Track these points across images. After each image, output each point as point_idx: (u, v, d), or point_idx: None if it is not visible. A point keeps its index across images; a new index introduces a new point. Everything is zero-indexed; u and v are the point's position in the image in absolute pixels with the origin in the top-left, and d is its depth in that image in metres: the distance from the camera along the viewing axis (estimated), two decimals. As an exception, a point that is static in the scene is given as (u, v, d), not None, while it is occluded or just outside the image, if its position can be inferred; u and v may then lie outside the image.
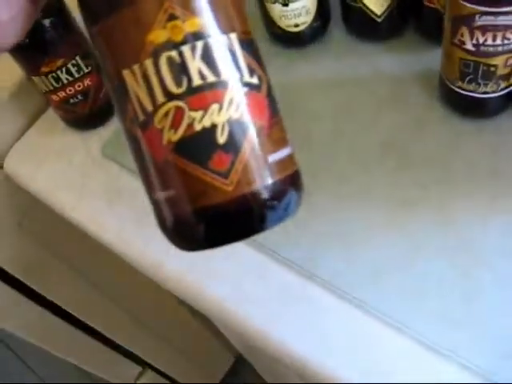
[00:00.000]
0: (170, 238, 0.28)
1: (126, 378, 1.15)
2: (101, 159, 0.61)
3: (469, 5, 0.42)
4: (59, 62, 0.56)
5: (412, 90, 0.56)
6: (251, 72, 0.26)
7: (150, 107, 0.25)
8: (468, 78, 0.48)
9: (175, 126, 0.25)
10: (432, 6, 0.54)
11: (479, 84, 0.48)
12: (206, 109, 0.25)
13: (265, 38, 0.63)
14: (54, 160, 0.63)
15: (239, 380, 1.40)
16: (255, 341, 0.48)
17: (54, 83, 0.58)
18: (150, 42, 0.25)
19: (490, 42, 0.44)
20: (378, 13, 0.56)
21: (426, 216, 0.48)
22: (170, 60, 0.25)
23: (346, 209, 0.50)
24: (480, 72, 0.47)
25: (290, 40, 0.61)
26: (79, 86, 0.59)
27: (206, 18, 0.25)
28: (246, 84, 0.26)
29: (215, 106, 0.25)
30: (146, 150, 0.26)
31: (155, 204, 0.28)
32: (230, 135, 0.25)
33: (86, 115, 0.62)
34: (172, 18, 0.25)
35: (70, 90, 0.59)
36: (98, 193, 0.59)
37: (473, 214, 0.48)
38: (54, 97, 0.59)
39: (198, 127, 0.25)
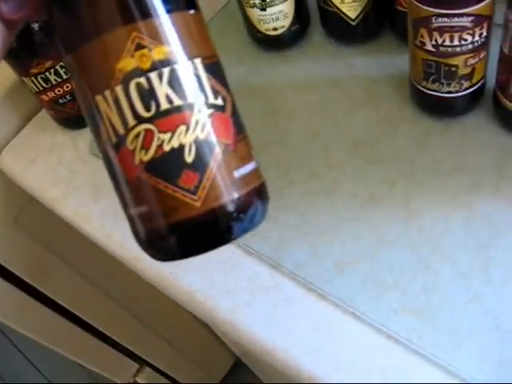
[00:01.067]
0: (144, 249, 0.31)
1: (124, 375, 1.17)
2: (88, 157, 0.64)
3: (424, 7, 0.44)
4: (48, 64, 0.59)
5: (385, 90, 0.58)
6: (215, 94, 0.28)
7: (121, 130, 0.27)
8: (432, 78, 0.50)
9: (146, 146, 0.27)
10: (404, 9, 0.56)
11: (442, 84, 0.50)
12: (173, 130, 0.27)
13: (246, 41, 0.65)
14: (45, 157, 0.66)
15: (239, 380, 1.41)
16: (224, 330, 0.50)
17: (43, 84, 0.61)
18: (120, 69, 0.27)
19: (447, 42, 0.46)
20: (352, 17, 0.58)
21: (392, 211, 0.50)
22: (138, 86, 0.27)
23: (314, 203, 0.52)
24: (442, 72, 0.48)
25: (270, 43, 0.63)
26: (67, 87, 0.62)
27: (172, 46, 0.27)
28: (211, 106, 0.28)
29: (182, 128, 0.27)
30: (119, 169, 0.28)
31: (129, 219, 0.30)
32: (197, 154, 0.27)
33: (74, 115, 0.64)
34: (139, 47, 0.27)
35: (58, 91, 0.62)
36: (84, 188, 0.61)
37: (436, 209, 0.49)
38: (44, 97, 0.62)
39: (166, 148, 0.27)
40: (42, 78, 0.60)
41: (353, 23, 0.58)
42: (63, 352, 0.99)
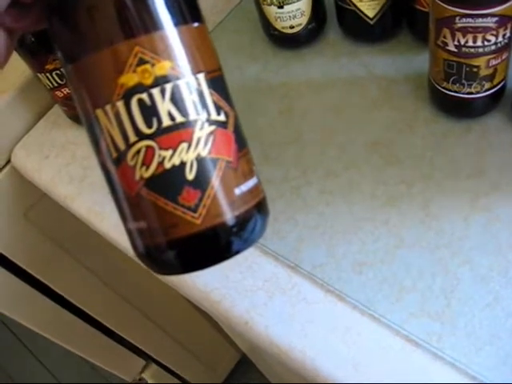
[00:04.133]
0: (143, 263, 0.31)
1: (130, 372, 1.17)
2: (102, 153, 0.63)
3: (449, 7, 0.44)
4: (63, 60, 0.59)
5: (403, 90, 0.58)
6: (218, 110, 0.28)
7: (122, 145, 0.27)
8: (452, 79, 0.49)
9: (146, 163, 0.27)
10: (423, 9, 0.55)
11: (463, 84, 0.49)
12: (175, 148, 0.27)
13: (262, 38, 0.65)
14: (58, 154, 0.66)
15: (244, 379, 1.41)
16: (239, 331, 0.49)
17: (58, 80, 0.60)
18: (122, 84, 0.26)
19: (470, 43, 0.45)
20: (371, 15, 0.57)
21: (410, 212, 0.50)
22: (140, 102, 0.26)
23: (332, 203, 0.52)
24: (463, 73, 0.48)
25: (286, 41, 0.63)
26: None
27: (175, 61, 0.27)
28: (213, 122, 0.28)
29: (184, 145, 0.27)
30: (118, 184, 0.28)
31: (128, 232, 0.30)
32: (199, 172, 0.27)
33: (88, 111, 0.64)
34: (142, 62, 0.26)
35: (73, 87, 0.61)
36: (98, 185, 0.61)
37: (455, 211, 0.49)
38: (58, 93, 0.62)
39: (167, 165, 0.27)
40: (56, 74, 0.60)
41: (371, 22, 0.58)
42: (71, 348, 0.99)
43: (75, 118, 0.67)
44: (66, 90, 0.61)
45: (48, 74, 0.60)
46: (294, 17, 0.59)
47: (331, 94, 0.60)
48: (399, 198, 0.51)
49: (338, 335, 0.46)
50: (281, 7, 0.58)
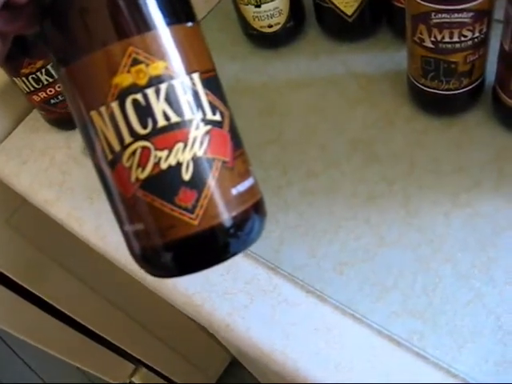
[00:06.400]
0: (140, 265, 0.30)
1: (120, 376, 1.16)
2: (81, 157, 0.63)
3: (424, 3, 0.43)
4: (39, 64, 0.58)
5: (383, 88, 0.57)
6: (213, 109, 0.28)
7: (117, 147, 0.27)
8: (430, 75, 0.49)
9: (142, 164, 0.26)
10: (401, 5, 0.55)
11: (442, 81, 0.49)
12: (171, 148, 0.26)
13: (241, 38, 0.64)
14: (37, 158, 0.65)
15: (235, 380, 1.40)
16: (222, 333, 0.49)
17: (34, 84, 0.60)
18: (116, 85, 0.26)
19: (447, 39, 0.45)
20: (349, 13, 0.57)
21: (391, 210, 0.49)
22: (135, 103, 0.26)
23: (313, 203, 0.51)
24: (441, 69, 0.48)
25: (265, 40, 0.62)
26: (59, 87, 0.61)
27: (170, 61, 0.27)
28: (209, 122, 0.27)
29: (180, 145, 0.26)
30: (114, 185, 0.28)
31: (125, 235, 0.29)
32: (195, 172, 0.27)
33: (66, 115, 0.63)
34: (136, 62, 0.26)
35: (50, 91, 0.61)
36: (78, 189, 0.60)
37: (436, 208, 0.49)
38: (35, 97, 0.61)
39: (164, 166, 0.26)
40: (33, 78, 0.59)
41: (349, 20, 0.58)
42: (58, 354, 0.98)
43: (54, 122, 0.66)
44: (43, 94, 0.61)
45: (24, 78, 0.59)
46: (272, 16, 0.58)
47: (311, 92, 0.59)
48: (380, 196, 0.50)
49: (319, 336, 0.45)
50: (258, 6, 0.58)
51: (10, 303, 0.85)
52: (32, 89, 0.60)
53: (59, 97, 0.61)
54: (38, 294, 0.86)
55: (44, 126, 0.67)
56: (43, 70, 0.59)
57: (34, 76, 0.59)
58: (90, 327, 0.98)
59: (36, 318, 0.90)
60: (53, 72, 0.59)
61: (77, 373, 1.18)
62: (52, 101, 0.61)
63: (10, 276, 0.80)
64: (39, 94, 0.61)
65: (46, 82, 0.60)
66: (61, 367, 1.15)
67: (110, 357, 1.09)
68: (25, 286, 0.83)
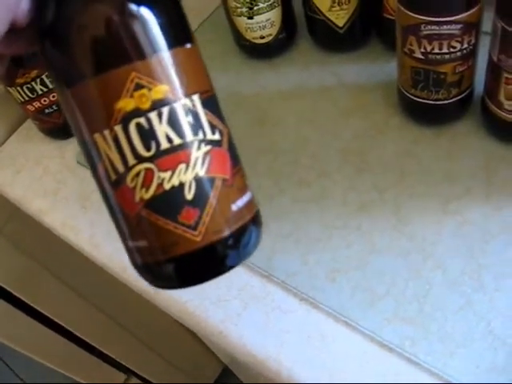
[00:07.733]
0: (143, 276, 0.31)
1: (112, 386, 1.16)
2: (75, 166, 0.63)
3: (414, 15, 0.44)
4: (33, 74, 0.59)
5: (373, 98, 0.58)
6: (213, 129, 0.29)
7: (121, 168, 0.27)
8: (420, 86, 0.50)
9: (146, 185, 0.27)
10: (391, 17, 0.56)
11: (431, 91, 0.50)
12: (173, 169, 0.27)
13: (233, 49, 0.65)
14: (31, 168, 0.65)
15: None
16: (215, 341, 0.49)
17: (28, 94, 0.60)
18: (119, 109, 0.27)
19: (436, 50, 0.46)
20: (340, 24, 0.58)
21: (382, 218, 0.50)
22: (138, 126, 0.27)
23: (305, 211, 0.52)
24: (431, 79, 0.49)
25: (257, 51, 0.63)
26: (53, 97, 0.61)
27: (171, 85, 0.27)
28: (209, 142, 0.28)
29: (182, 166, 0.27)
30: (118, 205, 0.28)
31: (128, 250, 0.30)
32: (197, 191, 0.28)
33: (61, 125, 0.64)
34: (139, 87, 0.27)
35: (44, 101, 0.61)
36: (72, 198, 0.61)
37: (427, 216, 0.49)
38: (30, 107, 0.61)
39: (167, 186, 0.27)
40: (27, 87, 0.59)
41: (340, 31, 0.59)
42: (48, 363, 0.98)
43: (48, 132, 0.66)
44: (37, 104, 0.61)
45: (19, 88, 0.59)
46: (264, 27, 0.59)
47: (303, 103, 0.60)
48: (371, 204, 0.51)
49: (312, 343, 0.46)
50: (250, 18, 0.58)
51: (1, 312, 0.84)
52: (26, 98, 0.60)
53: (53, 107, 0.62)
54: (29, 303, 0.86)
55: (38, 136, 0.68)
56: (38, 80, 0.59)
57: (28, 86, 0.59)
58: (81, 337, 0.98)
59: (27, 327, 0.90)
60: (47, 82, 0.60)
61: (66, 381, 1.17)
62: (46, 110, 0.62)
63: (2, 285, 0.80)
64: (33, 103, 0.61)
65: (40, 92, 0.60)
66: (50, 377, 1.15)
67: (101, 366, 1.09)
68: (17, 295, 0.83)
